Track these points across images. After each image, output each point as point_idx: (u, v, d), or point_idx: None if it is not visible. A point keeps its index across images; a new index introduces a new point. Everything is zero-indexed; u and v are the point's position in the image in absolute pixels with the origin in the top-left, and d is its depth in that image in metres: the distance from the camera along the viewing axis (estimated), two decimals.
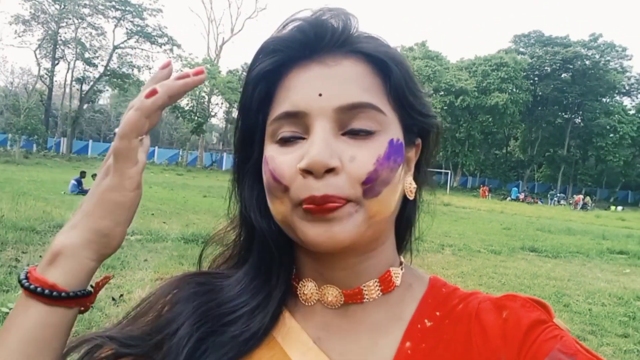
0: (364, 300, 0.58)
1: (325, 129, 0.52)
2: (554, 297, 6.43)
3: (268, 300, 0.59)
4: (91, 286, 0.56)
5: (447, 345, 0.55)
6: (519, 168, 52.23)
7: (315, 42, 0.55)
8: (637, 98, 53.09)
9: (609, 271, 8.90)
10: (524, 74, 46.08)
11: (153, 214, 10.96)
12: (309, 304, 0.60)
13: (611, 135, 45.07)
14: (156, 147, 47.17)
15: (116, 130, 0.54)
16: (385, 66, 0.56)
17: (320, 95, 0.53)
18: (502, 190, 46.14)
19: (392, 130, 0.55)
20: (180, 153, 46.59)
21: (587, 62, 47.05)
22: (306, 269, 0.61)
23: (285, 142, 0.55)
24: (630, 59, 50.76)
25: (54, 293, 0.51)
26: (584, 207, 34.58)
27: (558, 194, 42.98)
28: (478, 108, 42.97)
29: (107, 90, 46.46)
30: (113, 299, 4.93)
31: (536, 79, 48.77)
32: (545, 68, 48.12)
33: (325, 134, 0.52)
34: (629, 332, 5.29)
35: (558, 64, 46.89)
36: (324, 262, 0.58)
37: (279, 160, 0.54)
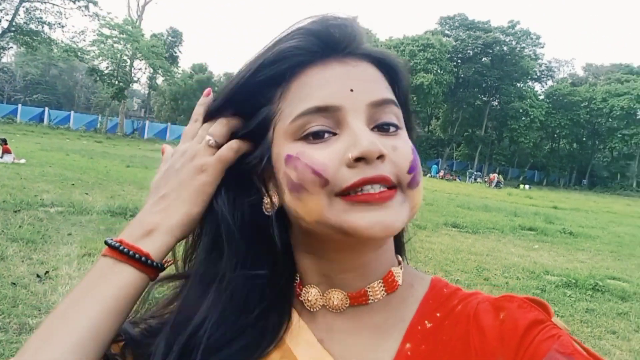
0: (369, 302, 0.59)
1: (361, 122, 0.54)
2: (475, 272, 6.87)
3: (282, 305, 0.61)
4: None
5: (446, 346, 0.56)
6: (439, 146, 54.60)
7: (332, 43, 0.57)
8: (546, 84, 57.06)
9: (521, 247, 9.60)
10: (448, 55, 47.80)
11: (73, 184, 10.35)
12: (314, 309, 0.61)
13: (523, 118, 48.23)
14: (72, 112, 44.20)
15: (209, 139, 0.61)
16: (395, 74, 0.60)
17: (351, 90, 0.54)
18: (423, 167, 47.88)
19: (405, 129, 0.59)
20: (99, 119, 43.99)
21: (505, 48, 49.73)
22: (309, 273, 0.61)
23: (312, 138, 0.54)
24: (542, 47, 54.25)
25: (148, 260, 0.58)
26: (497, 185, 36.72)
27: (475, 172, 45.28)
28: None
29: (12, 47, 42.27)
30: (38, 275, 4.64)
31: (459, 61, 50.80)
32: (468, 51, 50.26)
33: (363, 127, 0.54)
34: None
35: (479, 48, 49.16)
36: (333, 263, 0.59)
37: (315, 154, 0.53)
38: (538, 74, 55.09)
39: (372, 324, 0.59)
